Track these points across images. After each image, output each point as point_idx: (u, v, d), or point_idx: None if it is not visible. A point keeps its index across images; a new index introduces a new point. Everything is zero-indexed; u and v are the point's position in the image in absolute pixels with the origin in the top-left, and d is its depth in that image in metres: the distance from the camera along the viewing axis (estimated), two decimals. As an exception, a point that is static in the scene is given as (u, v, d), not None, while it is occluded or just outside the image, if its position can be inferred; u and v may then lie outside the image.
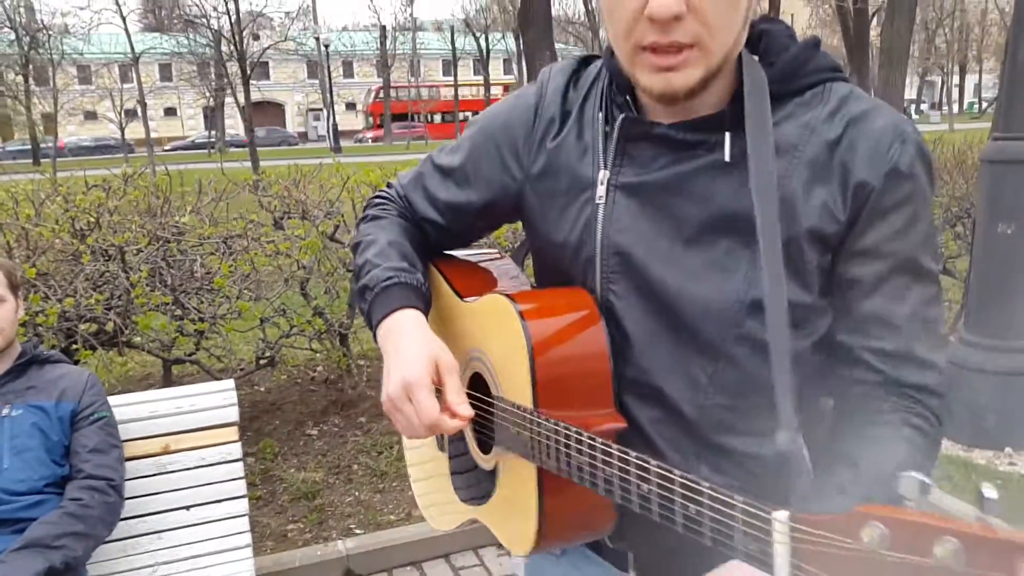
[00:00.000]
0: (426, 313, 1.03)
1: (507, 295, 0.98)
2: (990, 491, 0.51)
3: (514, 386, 0.96)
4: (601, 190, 0.97)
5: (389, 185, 1.21)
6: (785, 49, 0.93)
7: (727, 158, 0.89)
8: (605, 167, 0.97)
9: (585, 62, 1.07)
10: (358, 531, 3.24)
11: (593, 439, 0.84)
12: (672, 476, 0.74)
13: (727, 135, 0.89)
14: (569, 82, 1.05)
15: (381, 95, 50.14)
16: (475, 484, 1.10)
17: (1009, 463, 3.68)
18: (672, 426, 0.94)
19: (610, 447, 0.82)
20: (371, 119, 52.44)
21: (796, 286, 0.89)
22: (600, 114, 1.00)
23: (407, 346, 0.97)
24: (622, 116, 0.96)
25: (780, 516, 0.63)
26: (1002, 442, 3.77)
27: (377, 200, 1.20)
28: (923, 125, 34.79)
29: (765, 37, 0.95)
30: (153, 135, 36.54)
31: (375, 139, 48.40)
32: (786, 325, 0.81)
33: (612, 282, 0.97)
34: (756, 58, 0.93)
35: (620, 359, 0.96)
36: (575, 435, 0.85)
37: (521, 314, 0.94)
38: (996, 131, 3.81)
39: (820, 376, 0.95)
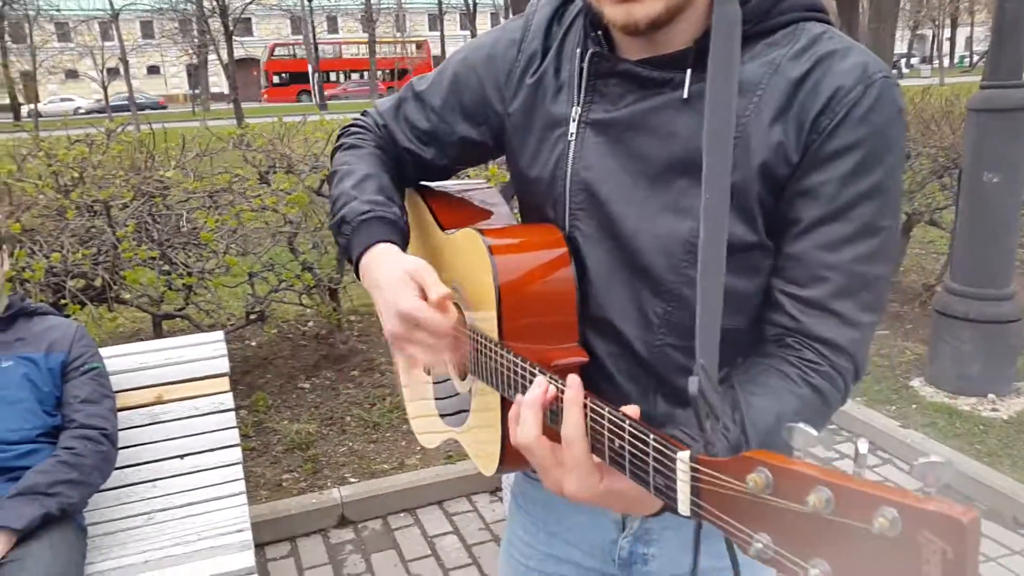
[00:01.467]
0: (404, 246, 1.04)
1: (479, 230, 1.00)
2: (863, 446, 0.55)
3: (483, 319, 0.99)
4: (573, 127, 0.98)
5: (365, 113, 1.18)
6: None
7: (685, 96, 0.89)
8: (577, 103, 0.98)
9: None
10: (352, 480, 3.29)
11: (542, 372, 0.85)
12: (602, 411, 0.77)
13: (688, 73, 0.88)
14: (554, 16, 1.05)
15: (277, 52, 49.72)
16: (454, 407, 1.14)
17: (992, 409, 3.75)
18: (628, 362, 0.96)
19: (556, 381, 0.83)
20: (268, 78, 50.48)
21: (744, 227, 0.89)
22: (578, 50, 0.99)
23: (388, 278, 0.97)
24: (591, 52, 0.96)
25: (683, 456, 0.67)
26: (985, 389, 3.85)
27: (353, 129, 1.18)
28: (914, 79, 34.57)
29: None
30: (136, 95, 35.89)
31: (270, 99, 46.94)
32: (721, 271, 0.81)
33: (577, 219, 0.97)
34: None
35: (581, 294, 0.98)
36: (528, 368, 0.87)
37: (490, 249, 0.95)
38: (984, 80, 3.80)
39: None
